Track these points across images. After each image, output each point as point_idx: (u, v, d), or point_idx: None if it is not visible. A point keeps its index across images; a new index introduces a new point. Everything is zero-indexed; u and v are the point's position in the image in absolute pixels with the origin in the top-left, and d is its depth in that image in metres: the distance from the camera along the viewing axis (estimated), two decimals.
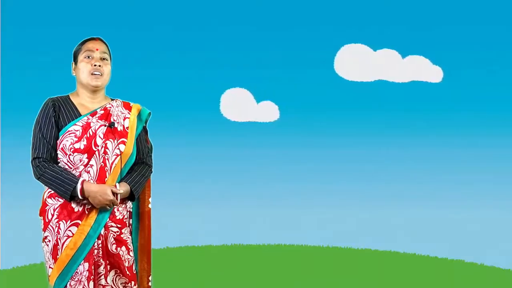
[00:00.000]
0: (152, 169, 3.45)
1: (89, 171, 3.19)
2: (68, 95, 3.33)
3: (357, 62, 6.14)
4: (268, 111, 6.29)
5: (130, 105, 3.39)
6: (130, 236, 3.35)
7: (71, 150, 3.18)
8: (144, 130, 3.43)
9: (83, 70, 3.28)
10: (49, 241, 3.21)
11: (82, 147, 3.18)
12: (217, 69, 7.03)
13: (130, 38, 7.89)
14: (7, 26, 7.03)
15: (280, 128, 4.92)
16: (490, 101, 7.31)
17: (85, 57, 3.28)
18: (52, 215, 3.21)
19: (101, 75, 3.28)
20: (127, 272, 3.27)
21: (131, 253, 3.33)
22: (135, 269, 3.35)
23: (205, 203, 7.89)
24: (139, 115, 3.38)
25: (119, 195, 3.19)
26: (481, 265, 6.70)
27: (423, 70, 6.58)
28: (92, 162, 3.19)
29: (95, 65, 3.26)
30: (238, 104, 5.06)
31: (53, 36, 7.91)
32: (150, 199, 3.46)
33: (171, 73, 7.78)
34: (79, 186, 3.12)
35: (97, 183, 3.19)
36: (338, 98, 5.87)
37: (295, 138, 4.81)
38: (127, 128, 3.30)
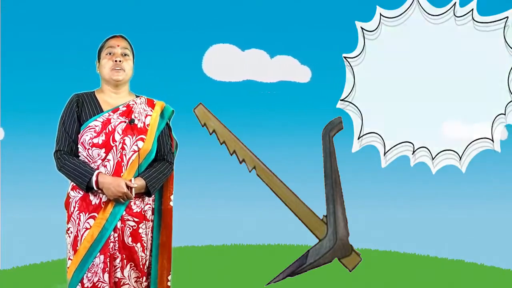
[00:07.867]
0: (174, 166, 3.48)
1: (106, 165, 3.27)
2: (94, 91, 3.43)
3: (225, 62, 6.12)
4: None
5: (154, 102, 3.47)
6: (149, 234, 3.39)
7: (90, 144, 3.27)
8: (168, 126, 3.49)
9: (105, 66, 3.39)
10: (71, 232, 3.30)
11: (100, 142, 3.27)
12: (76, 70, 7.03)
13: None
14: (7, 26, 7.03)
15: None
16: None
17: (107, 54, 3.40)
18: (74, 207, 3.30)
19: (123, 70, 3.39)
20: (141, 267, 3.33)
21: (146, 252, 3.37)
22: (147, 267, 3.39)
23: (204, 203, 7.88)
24: (162, 113, 3.45)
25: (133, 189, 3.25)
26: (481, 265, 6.70)
27: (291, 70, 6.53)
28: (110, 157, 3.28)
29: (116, 61, 3.37)
30: None
31: (52, 36, 7.92)
32: (172, 197, 3.48)
33: (46, 74, 7.79)
34: (94, 178, 3.22)
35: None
36: (206, 98, 5.87)
37: None
38: (148, 125, 3.36)
